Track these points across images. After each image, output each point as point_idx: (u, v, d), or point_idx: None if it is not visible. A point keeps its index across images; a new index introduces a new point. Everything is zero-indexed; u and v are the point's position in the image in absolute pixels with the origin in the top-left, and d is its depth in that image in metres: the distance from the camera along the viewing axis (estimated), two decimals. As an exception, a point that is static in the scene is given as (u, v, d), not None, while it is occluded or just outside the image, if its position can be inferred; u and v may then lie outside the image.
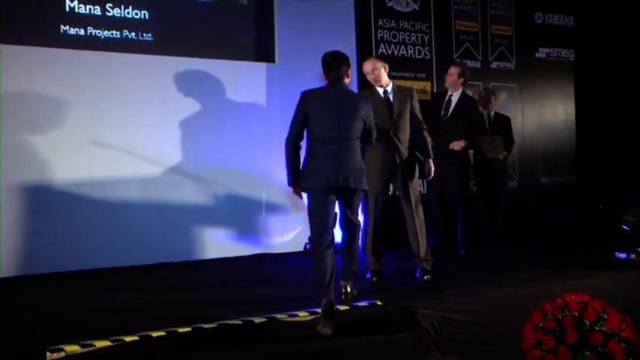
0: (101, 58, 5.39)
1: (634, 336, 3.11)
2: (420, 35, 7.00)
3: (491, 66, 7.57)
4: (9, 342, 3.48)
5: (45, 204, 5.21)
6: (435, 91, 6.97)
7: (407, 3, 6.89)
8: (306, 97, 4.17)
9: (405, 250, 5.02)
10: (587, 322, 3.10)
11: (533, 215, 7.36)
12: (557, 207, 7.68)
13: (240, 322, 3.61)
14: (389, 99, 4.86)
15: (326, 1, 6.36)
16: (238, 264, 5.78)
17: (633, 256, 5.43)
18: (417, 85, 6.86)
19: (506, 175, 7.09)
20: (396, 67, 6.70)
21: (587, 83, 8.13)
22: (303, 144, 4.26)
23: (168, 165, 5.69)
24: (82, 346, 3.17)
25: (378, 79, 4.86)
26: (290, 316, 3.74)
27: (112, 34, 5.47)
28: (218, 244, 5.85)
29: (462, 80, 6.08)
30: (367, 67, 4.89)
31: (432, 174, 5.00)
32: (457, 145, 5.92)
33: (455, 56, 7.22)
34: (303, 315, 3.77)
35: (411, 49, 6.94)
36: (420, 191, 5.08)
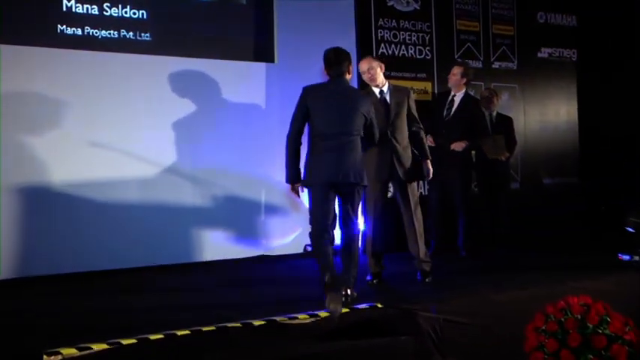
0: (99, 58, 5.37)
1: (637, 339, 3.09)
2: (420, 35, 6.97)
3: (493, 66, 7.54)
4: (7, 344, 3.46)
5: (44, 205, 5.19)
6: (435, 91, 6.95)
7: (407, 2, 6.86)
8: (308, 92, 4.23)
9: (405, 252, 4.99)
10: (590, 325, 3.09)
11: (536, 216, 7.33)
12: (560, 208, 7.65)
13: (240, 325, 3.58)
14: (385, 99, 4.83)
15: (326, 1, 6.34)
16: (238, 266, 5.76)
17: (637, 257, 5.39)
18: (417, 85, 6.84)
19: (509, 177, 7.06)
20: (397, 67, 6.69)
21: (590, 84, 8.11)
22: (305, 141, 4.26)
23: (167, 166, 5.67)
24: (79, 349, 3.15)
25: (373, 79, 4.83)
26: (290, 318, 3.71)
27: (109, 33, 5.45)
28: (217, 245, 5.83)
29: (465, 80, 6.07)
30: (363, 66, 4.87)
31: (430, 175, 4.98)
32: (458, 146, 5.90)
33: (456, 56, 7.19)
34: (302, 317, 3.74)
35: (411, 48, 6.91)
36: (421, 192, 5.05)
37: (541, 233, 7.08)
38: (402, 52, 6.84)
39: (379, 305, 4.01)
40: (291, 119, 4.25)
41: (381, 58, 6.44)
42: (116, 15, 5.46)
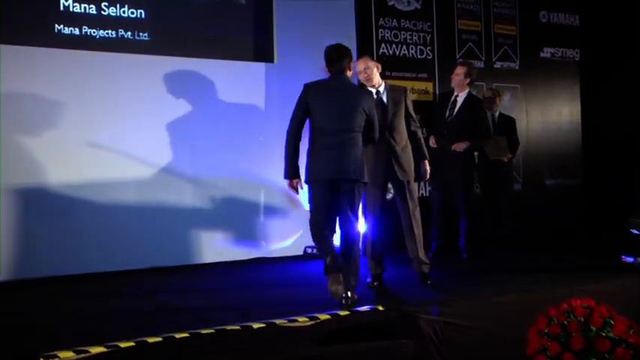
0: (97, 58, 5.35)
1: (641, 342, 3.06)
2: (421, 35, 6.94)
3: (495, 66, 7.52)
4: (4, 346, 3.45)
5: (43, 206, 5.18)
6: (437, 91, 6.92)
7: (408, 2, 6.84)
8: (308, 89, 4.29)
9: (406, 254, 4.95)
10: (594, 328, 3.09)
11: (538, 218, 7.31)
12: (563, 210, 7.63)
13: (239, 328, 3.56)
14: (382, 99, 4.80)
15: (326, 0, 6.30)
16: (237, 268, 5.73)
17: (640, 260, 5.37)
18: (418, 85, 6.82)
19: (511, 178, 7.04)
20: (398, 68, 6.67)
21: (593, 84, 8.08)
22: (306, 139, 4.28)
23: (167, 167, 5.65)
24: (77, 352, 3.13)
25: (370, 79, 4.81)
26: (289, 321, 3.69)
27: (107, 33, 5.42)
28: (216, 248, 5.81)
29: (468, 80, 6.06)
30: (359, 66, 4.85)
31: (427, 176, 4.97)
32: (459, 147, 5.88)
33: (457, 56, 7.18)
34: (302, 320, 3.71)
35: (412, 48, 6.89)
36: (422, 194, 5.02)
37: (543, 234, 7.06)
38: (402, 52, 6.81)
39: (380, 308, 3.99)
40: (292, 115, 4.30)
41: (381, 58, 6.45)
42: (114, 14, 5.44)
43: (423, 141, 4.98)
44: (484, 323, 4.04)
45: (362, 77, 4.84)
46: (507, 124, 6.66)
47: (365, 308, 3.98)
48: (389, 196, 5.12)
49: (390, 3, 6.75)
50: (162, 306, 4.37)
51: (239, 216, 5.97)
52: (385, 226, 4.87)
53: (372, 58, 5.19)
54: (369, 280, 4.82)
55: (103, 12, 5.39)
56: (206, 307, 4.30)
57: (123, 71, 5.44)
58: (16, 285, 4.93)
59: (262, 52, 6.08)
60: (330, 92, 4.24)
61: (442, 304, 4.13)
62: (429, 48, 6.99)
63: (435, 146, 5.96)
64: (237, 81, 5.93)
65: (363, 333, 3.75)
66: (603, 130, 7.93)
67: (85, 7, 5.33)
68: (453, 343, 3.87)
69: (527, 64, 7.76)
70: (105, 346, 3.19)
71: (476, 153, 6.29)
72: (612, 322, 3.10)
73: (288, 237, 6.13)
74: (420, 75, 6.92)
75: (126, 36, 5.48)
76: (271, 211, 6.07)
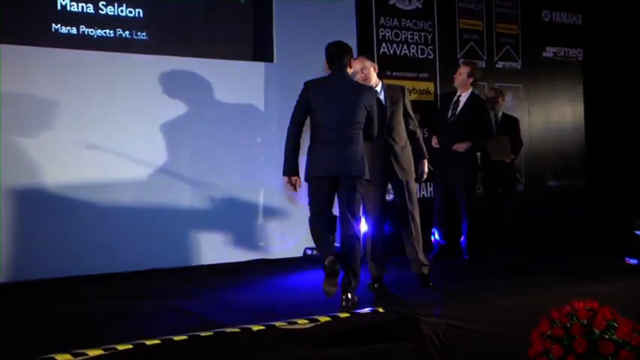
0: (95, 58, 5.34)
1: (645, 345, 3.03)
2: (423, 34, 6.92)
3: (497, 66, 7.49)
4: (2, 348, 3.45)
5: (42, 208, 5.18)
6: (438, 91, 6.90)
7: (409, 1, 6.82)
8: (309, 86, 4.31)
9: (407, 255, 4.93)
10: (597, 331, 3.07)
11: (541, 219, 7.28)
12: (566, 210, 7.60)
13: (238, 330, 3.54)
14: (380, 99, 4.79)
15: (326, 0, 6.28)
16: (237, 270, 5.71)
17: (644, 261, 5.36)
18: (420, 85, 6.80)
19: (514, 179, 7.01)
20: (399, 67, 6.65)
21: (596, 84, 8.04)
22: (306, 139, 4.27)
23: (166, 168, 5.64)
24: (74, 355, 3.12)
25: (367, 79, 4.80)
26: (289, 323, 3.67)
27: (105, 32, 5.42)
28: (215, 249, 5.81)
29: (471, 80, 6.04)
30: (356, 66, 4.82)
31: (425, 176, 4.96)
32: (460, 147, 5.85)
33: (459, 56, 7.15)
34: (302, 322, 3.70)
35: (413, 48, 6.86)
36: (424, 195, 4.99)
37: (546, 236, 7.03)
38: (403, 52, 6.79)
39: (380, 310, 3.97)
40: (292, 113, 4.31)
41: (382, 57, 6.43)
42: (112, 14, 5.43)
43: (422, 140, 4.97)
44: (486, 325, 4.00)
45: (359, 77, 4.82)
46: (510, 124, 6.64)
47: (365, 310, 3.97)
48: (389, 196, 5.10)
49: (391, 2, 6.72)
50: (160, 308, 4.35)
51: (239, 217, 5.96)
52: (385, 227, 4.86)
53: (371, 58, 5.16)
54: (369, 281, 4.79)
55: (100, 11, 5.39)
56: (205, 309, 4.28)
57: (122, 71, 5.44)
58: (16, 286, 4.93)
59: (262, 52, 6.07)
60: (331, 89, 4.26)
61: (443, 306, 4.11)
62: (430, 47, 6.96)
63: (437, 146, 5.93)
64: (236, 81, 5.93)
65: (364, 335, 3.72)
66: (606, 130, 7.90)
67: (82, 7, 5.32)
68: (455, 345, 3.83)
69: (530, 64, 7.73)
70: (102, 349, 3.18)
71: (479, 153, 6.27)
72: (616, 324, 3.07)
73: (288, 238, 6.11)
74: (421, 75, 6.89)
75: (124, 35, 5.48)
76: (271, 212, 6.06)
